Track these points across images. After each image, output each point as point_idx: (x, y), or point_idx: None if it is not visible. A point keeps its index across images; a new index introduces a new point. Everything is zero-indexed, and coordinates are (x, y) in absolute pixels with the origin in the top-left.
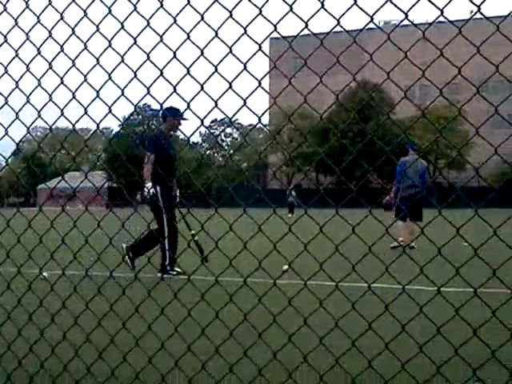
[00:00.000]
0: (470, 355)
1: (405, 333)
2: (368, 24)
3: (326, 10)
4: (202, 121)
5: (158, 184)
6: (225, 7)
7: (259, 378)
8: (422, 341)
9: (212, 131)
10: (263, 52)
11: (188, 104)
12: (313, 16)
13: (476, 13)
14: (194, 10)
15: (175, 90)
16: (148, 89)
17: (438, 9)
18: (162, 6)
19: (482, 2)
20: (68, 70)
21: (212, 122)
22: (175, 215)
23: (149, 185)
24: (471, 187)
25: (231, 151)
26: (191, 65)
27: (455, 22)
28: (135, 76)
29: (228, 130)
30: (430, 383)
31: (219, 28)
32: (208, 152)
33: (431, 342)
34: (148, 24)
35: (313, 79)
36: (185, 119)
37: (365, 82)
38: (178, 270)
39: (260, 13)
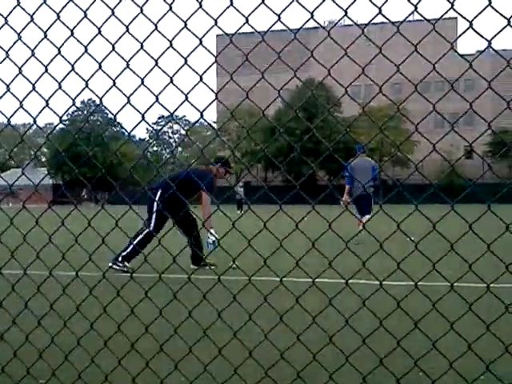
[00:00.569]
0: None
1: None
2: (308, 21)
3: (266, 6)
4: (142, 116)
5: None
6: (165, 0)
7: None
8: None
9: (158, 127)
10: (204, 47)
11: (128, 98)
12: (252, 12)
13: (412, 12)
14: (134, 2)
15: (114, 84)
16: (86, 82)
17: (377, 7)
18: None
19: (418, 2)
20: (2, 61)
21: (159, 118)
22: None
23: (213, 233)
24: (416, 184)
25: (179, 148)
26: (130, 58)
27: (396, 22)
28: (73, 69)
29: (176, 127)
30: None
31: (158, 21)
32: (155, 149)
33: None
34: (85, 16)
35: (258, 78)
36: (229, 172)
37: (311, 80)
38: (128, 265)
39: (200, 7)
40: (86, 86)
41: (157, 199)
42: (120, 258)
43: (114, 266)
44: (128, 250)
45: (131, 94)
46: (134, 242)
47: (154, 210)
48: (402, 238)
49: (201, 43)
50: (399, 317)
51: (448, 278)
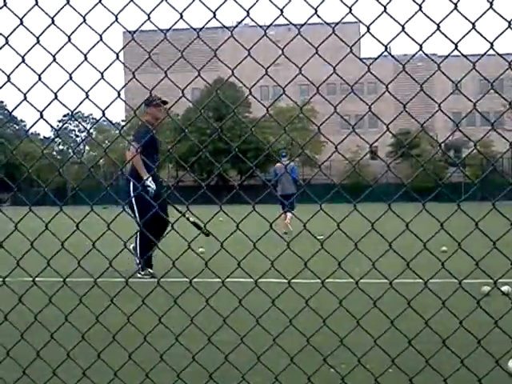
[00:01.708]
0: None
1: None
2: (210, 20)
3: (169, 4)
4: (41, 113)
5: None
6: None
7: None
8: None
9: (62, 125)
10: (104, 43)
11: (25, 95)
12: (154, 9)
13: (312, 16)
14: None
15: (9, 80)
16: None
17: (279, 9)
18: None
19: (319, 6)
20: None
21: (64, 115)
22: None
23: (148, 180)
24: (325, 183)
25: (86, 147)
26: (26, 53)
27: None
28: None
29: (84, 125)
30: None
31: (55, 15)
32: (61, 147)
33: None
34: None
35: (170, 76)
36: (165, 102)
37: (220, 80)
38: (150, 271)
39: (100, 1)
40: None
41: (131, 190)
42: (138, 268)
43: (139, 275)
44: (136, 258)
45: (28, 91)
46: (137, 246)
47: (133, 202)
48: (310, 236)
49: (101, 39)
50: (308, 313)
51: (354, 276)
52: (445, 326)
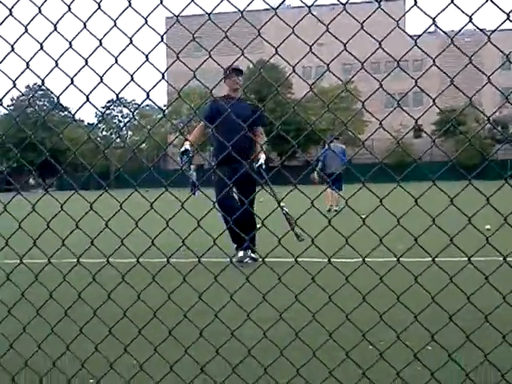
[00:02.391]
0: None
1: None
2: (253, 1)
3: None
4: (87, 97)
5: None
6: None
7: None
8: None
9: (108, 111)
10: (150, 26)
11: (72, 79)
12: None
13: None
14: None
15: (57, 65)
16: (27, 64)
17: None
18: None
19: None
20: None
21: (108, 102)
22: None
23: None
24: (369, 163)
25: (129, 132)
26: (73, 38)
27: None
28: (12, 50)
29: (126, 111)
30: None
31: (101, 0)
32: (105, 133)
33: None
34: None
35: (211, 59)
36: (239, 71)
37: (262, 61)
38: (245, 253)
39: None
40: (27, 67)
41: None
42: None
43: (249, 258)
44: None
45: (75, 75)
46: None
47: (214, 182)
48: (350, 216)
49: (146, 23)
50: (350, 292)
51: (398, 253)
52: (487, 303)
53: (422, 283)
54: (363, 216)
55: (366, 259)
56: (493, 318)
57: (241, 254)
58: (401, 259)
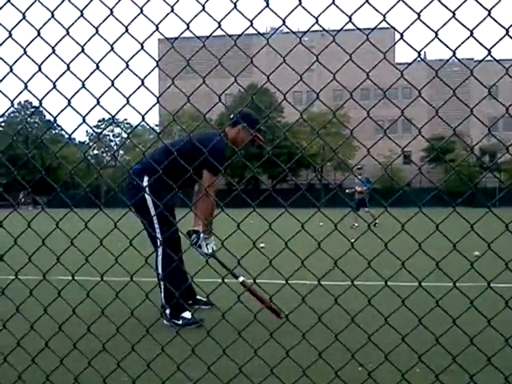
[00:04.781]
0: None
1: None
2: (248, 28)
3: (206, 13)
4: (83, 118)
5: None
6: (105, 4)
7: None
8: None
9: (99, 130)
10: (145, 51)
11: (69, 101)
12: (194, 17)
13: (347, 23)
14: (74, 6)
15: (55, 87)
16: (26, 84)
17: (314, 17)
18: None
19: (353, 13)
20: None
21: (99, 121)
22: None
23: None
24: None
25: (120, 151)
26: (71, 61)
27: (334, 31)
28: (11, 71)
29: (117, 130)
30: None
31: (99, 25)
32: (96, 152)
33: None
34: (24, 17)
35: (201, 82)
36: (261, 133)
37: (253, 86)
38: (185, 316)
39: (141, 12)
40: (26, 87)
41: (147, 189)
42: (168, 312)
43: (179, 322)
44: (163, 295)
45: (72, 97)
46: (161, 277)
47: (149, 205)
48: (341, 239)
49: (142, 48)
50: (338, 313)
51: (385, 277)
52: (473, 327)
53: (409, 306)
54: (352, 240)
55: (356, 282)
56: (479, 341)
57: (188, 315)
58: (388, 283)
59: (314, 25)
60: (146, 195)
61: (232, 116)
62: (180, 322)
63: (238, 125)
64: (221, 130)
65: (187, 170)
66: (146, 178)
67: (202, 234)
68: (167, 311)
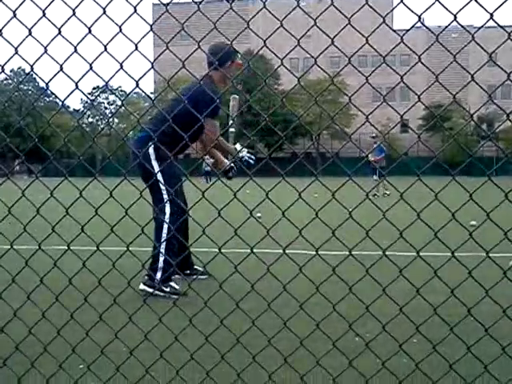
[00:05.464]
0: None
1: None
2: None
3: None
4: (76, 84)
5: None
6: None
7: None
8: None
9: (93, 98)
10: (139, 15)
11: (61, 66)
12: None
13: None
14: None
15: (46, 51)
16: (16, 49)
17: None
18: None
19: None
20: None
21: (93, 88)
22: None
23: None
24: (354, 157)
25: (115, 119)
26: (62, 25)
27: None
28: (1, 35)
29: (112, 98)
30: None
31: None
32: (91, 120)
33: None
34: None
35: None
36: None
37: (249, 52)
38: (174, 286)
39: None
40: (16, 52)
41: (152, 158)
42: (157, 280)
43: (157, 293)
44: (160, 265)
45: (64, 62)
46: (161, 249)
47: (155, 173)
48: (338, 209)
49: (135, 11)
50: (335, 283)
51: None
52: (471, 298)
53: (408, 277)
54: (350, 209)
55: (353, 252)
56: (476, 312)
57: (176, 285)
58: (386, 253)
59: None
60: (154, 162)
61: (211, 61)
62: (168, 289)
63: (221, 67)
64: (218, 96)
65: (191, 128)
66: (152, 146)
67: (237, 147)
68: (158, 274)
